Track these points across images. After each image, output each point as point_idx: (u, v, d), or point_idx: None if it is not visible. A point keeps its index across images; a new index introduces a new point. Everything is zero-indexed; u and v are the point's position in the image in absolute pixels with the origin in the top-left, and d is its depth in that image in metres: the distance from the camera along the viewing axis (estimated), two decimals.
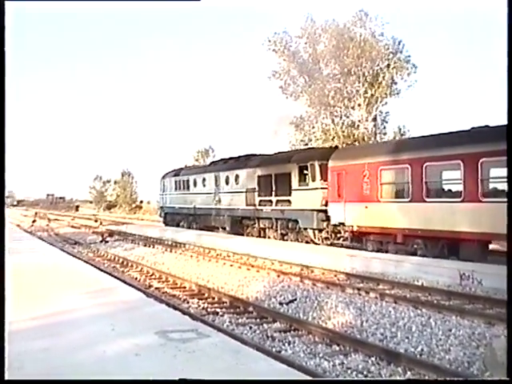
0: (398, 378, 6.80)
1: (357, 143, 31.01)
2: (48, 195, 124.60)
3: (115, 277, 12.87)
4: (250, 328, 9.58)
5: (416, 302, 11.00)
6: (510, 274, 4.30)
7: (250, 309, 10.96)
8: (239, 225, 26.27)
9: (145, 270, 16.92)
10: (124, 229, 34.30)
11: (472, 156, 14.31)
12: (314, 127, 34.71)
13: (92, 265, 15.21)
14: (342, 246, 18.80)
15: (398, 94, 33.19)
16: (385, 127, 34.54)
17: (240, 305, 11.37)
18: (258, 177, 24.61)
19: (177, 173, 35.43)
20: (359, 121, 33.24)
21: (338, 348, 8.32)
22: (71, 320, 7.05)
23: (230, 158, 29.67)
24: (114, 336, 6.29)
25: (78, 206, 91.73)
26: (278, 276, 15.01)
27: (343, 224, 19.05)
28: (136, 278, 15.40)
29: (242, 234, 25.46)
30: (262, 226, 24.42)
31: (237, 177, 26.63)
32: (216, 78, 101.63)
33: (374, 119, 33.40)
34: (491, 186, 14.62)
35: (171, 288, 13.69)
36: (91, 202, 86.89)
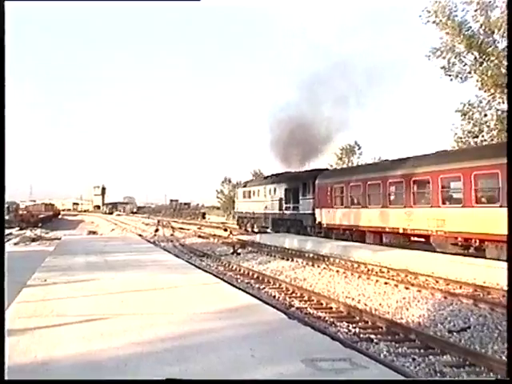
0: None
1: None
2: (171, 201, 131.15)
3: (251, 294, 13.12)
4: (414, 360, 9.36)
5: None
6: (510, 274, 4.86)
7: (412, 336, 10.70)
8: (276, 225, 40.63)
9: (284, 286, 17.22)
10: (257, 239, 35.10)
11: (361, 180, 28.68)
12: (486, 115, 32.96)
13: (224, 280, 15.66)
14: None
15: None
16: None
17: (399, 331, 11.16)
18: (284, 190, 39.41)
19: (245, 184, 52.13)
20: None
21: None
22: (206, 342, 7.29)
23: (275, 175, 44.67)
24: (254, 363, 6.41)
25: (204, 213, 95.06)
26: (445, 298, 14.51)
27: (320, 222, 32.73)
28: (274, 296, 15.72)
29: (279, 232, 38.62)
30: (287, 225, 38.59)
31: (274, 189, 41.47)
32: None
33: None
34: (369, 198, 27.79)
35: (316, 309, 13.78)
36: (219, 209, 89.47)
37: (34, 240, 38.92)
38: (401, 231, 24.68)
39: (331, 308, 13.86)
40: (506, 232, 14.18)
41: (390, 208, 25.64)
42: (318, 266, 21.77)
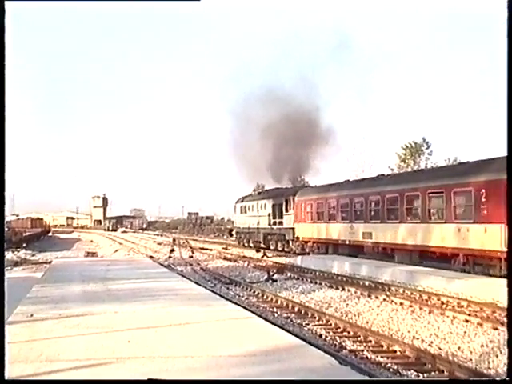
0: None
1: None
2: (190, 214, 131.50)
3: (291, 332, 13.03)
4: None
5: None
6: (510, 276, 5.74)
7: None
8: (267, 239, 50.65)
9: (332, 322, 17.10)
10: (298, 262, 35.02)
11: (323, 198, 40.41)
12: None
13: (257, 314, 15.58)
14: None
15: None
16: None
17: None
18: (272, 205, 49.79)
19: (242, 200, 61.49)
20: None
21: None
22: None
23: (266, 190, 57.48)
24: None
25: (231, 230, 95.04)
26: None
27: (297, 237, 43.22)
28: (321, 335, 15.59)
29: (269, 248, 48.98)
30: (275, 239, 48.77)
31: (265, 205, 51.74)
32: None
33: None
34: (329, 214, 39.20)
35: (374, 352, 13.63)
36: None
37: (16, 264, 39.13)
38: (347, 243, 35.94)
39: (394, 352, 13.70)
40: (406, 242, 30.21)
41: (341, 223, 36.84)
42: (377, 297, 21.57)
